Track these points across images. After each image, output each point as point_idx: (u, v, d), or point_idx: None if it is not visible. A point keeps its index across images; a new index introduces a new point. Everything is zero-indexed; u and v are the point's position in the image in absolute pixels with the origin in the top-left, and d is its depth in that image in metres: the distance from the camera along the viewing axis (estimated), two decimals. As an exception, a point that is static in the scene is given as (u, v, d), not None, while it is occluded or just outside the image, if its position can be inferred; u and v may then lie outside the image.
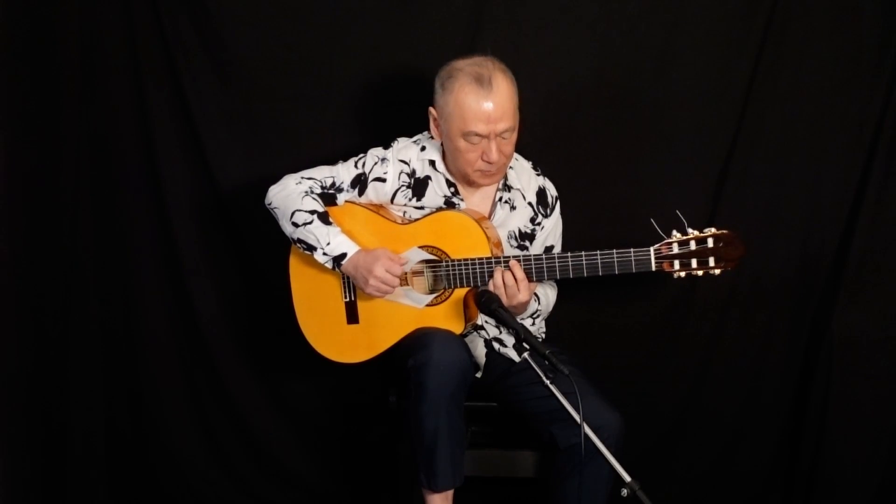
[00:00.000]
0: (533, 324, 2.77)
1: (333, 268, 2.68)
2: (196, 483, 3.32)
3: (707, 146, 3.12)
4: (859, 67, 3.05)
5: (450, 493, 2.58)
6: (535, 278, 2.59)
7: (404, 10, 3.09)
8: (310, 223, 2.67)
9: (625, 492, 2.24)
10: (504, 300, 2.53)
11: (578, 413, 2.27)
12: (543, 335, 2.87)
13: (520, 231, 2.77)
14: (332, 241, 2.66)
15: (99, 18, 3.10)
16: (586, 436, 2.28)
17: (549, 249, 2.81)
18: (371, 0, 3.10)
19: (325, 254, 2.67)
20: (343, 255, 2.66)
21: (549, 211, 2.80)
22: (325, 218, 2.69)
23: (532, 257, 2.58)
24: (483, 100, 2.56)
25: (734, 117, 3.09)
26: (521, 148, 2.82)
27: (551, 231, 2.81)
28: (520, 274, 2.55)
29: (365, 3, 3.10)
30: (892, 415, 3.13)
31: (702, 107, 3.10)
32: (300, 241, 2.70)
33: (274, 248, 2.83)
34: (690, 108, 3.10)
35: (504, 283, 2.55)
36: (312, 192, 2.72)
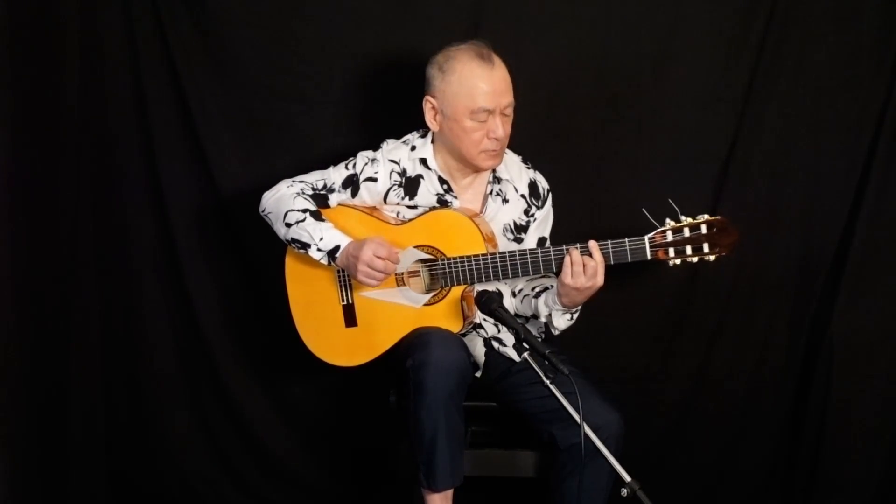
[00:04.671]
0: (571, 319, 2.71)
1: (329, 263, 2.68)
2: (196, 483, 3.32)
3: (707, 146, 3.12)
4: (859, 67, 3.05)
5: (449, 492, 2.57)
6: (531, 272, 2.59)
7: (404, 10, 3.09)
8: (302, 220, 2.67)
9: (625, 492, 2.25)
10: (582, 280, 2.51)
11: (578, 413, 2.27)
12: (543, 335, 2.86)
13: (515, 223, 2.77)
14: (324, 235, 2.66)
15: (99, 18, 3.10)
16: (586, 436, 2.28)
17: (542, 241, 2.81)
18: (371, 1, 3.10)
19: (319, 249, 2.66)
20: (336, 248, 2.65)
21: (541, 203, 2.80)
22: (317, 215, 2.69)
23: (528, 251, 2.58)
24: (488, 73, 2.58)
25: (734, 117, 3.09)
26: (521, 146, 2.83)
27: (542, 222, 2.81)
28: (598, 257, 2.52)
29: (365, 4, 3.10)
30: (892, 415, 3.13)
31: (702, 107, 3.10)
32: (294, 240, 2.70)
33: (274, 247, 2.82)
34: (690, 108, 3.11)
35: (584, 265, 2.51)
36: (304, 193, 2.73)
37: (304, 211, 2.68)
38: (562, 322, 2.67)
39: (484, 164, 2.68)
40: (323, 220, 2.68)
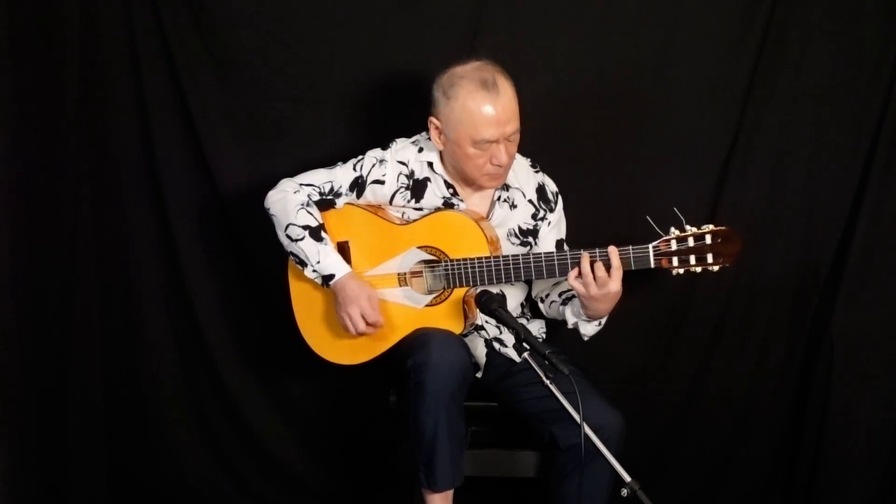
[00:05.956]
0: (599, 325, 2.69)
1: (323, 285, 2.69)
2: (196, 483, 3.32)
3: (707, 146, 3.12)
4: (859, 67, 3.05)
5: (449, 493, 2.57)
6: (534, 276, 2.58)
7: (404, 11, 3.09)
8: (301, 239, 2.67)
9: (625, 492, 2.25)
10: (594, 290, 2.48)
11: (578, 413, 2.27)
12: (543, 335, 2.87)
13: (520, 228, 2.77)
14: (322, 259, 2.66)
15: (99, 18, 3.10)
16: (586, 436, 2.28)
17: (560, 243, 2.81)
18: (371, 1, 3.10)
19: (314, 271, 2.68)
20: (331, 276, 2.66)
21: (552, 206, 2.80)
22: (317, 234, 2.68)
23: (531, 255, 2.58)
24: (492, 104, 2.54)
25: (734, 117, 3.09)
26: (522, 148, 2.82)
27: (556, 225, 2.81)
28: (616, 262, 2.50)
29: (365, 5, 3.10)
30: (892, 415, 3.13)
31: (702, 107, 3.10)
32: (293, 254, 2.71)
33: (274, 247, 2.82)
34: (690, 108, 3.11)
35: (594, 274, 2.49)
36: (310, 203, 2.71)
37: (305, 228, 2.68)
38: (590, 329, 2.68)
39: (486, 185, 2.68)
40: (321, 241, 2.68)
